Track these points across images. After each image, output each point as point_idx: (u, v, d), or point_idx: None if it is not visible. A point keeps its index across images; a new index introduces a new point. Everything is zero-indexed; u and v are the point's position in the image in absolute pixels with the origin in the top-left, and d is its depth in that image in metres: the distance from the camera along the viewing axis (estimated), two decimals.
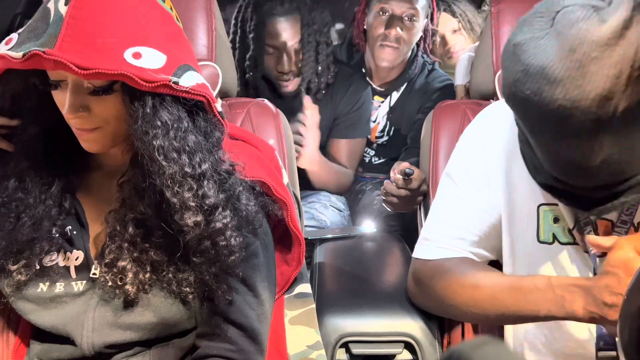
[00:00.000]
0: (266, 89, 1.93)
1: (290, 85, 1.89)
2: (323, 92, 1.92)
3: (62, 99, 0.83)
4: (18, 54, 0.77)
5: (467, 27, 2.17)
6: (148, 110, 0.80)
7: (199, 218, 0.83)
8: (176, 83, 0.79)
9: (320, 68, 1.89)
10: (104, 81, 0.81)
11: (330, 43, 1.93)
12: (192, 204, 0.82)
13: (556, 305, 0.91)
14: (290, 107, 1.93)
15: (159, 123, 0.80)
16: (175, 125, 0.81)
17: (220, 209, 0.85)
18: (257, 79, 1.91)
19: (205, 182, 0.84)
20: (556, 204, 1.02)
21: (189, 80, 0.81)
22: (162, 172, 0.81)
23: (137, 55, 0.78)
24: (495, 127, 1.09)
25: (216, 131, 0.87)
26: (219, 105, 0.86)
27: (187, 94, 0.81)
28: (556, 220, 1.02)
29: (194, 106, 0.84)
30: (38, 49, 0.76)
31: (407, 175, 1.50)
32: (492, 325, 1.15)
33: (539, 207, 1.04)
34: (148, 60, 0.78)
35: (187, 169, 0.82)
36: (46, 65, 0.78)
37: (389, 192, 1.59)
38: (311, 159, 1.82)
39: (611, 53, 0.74)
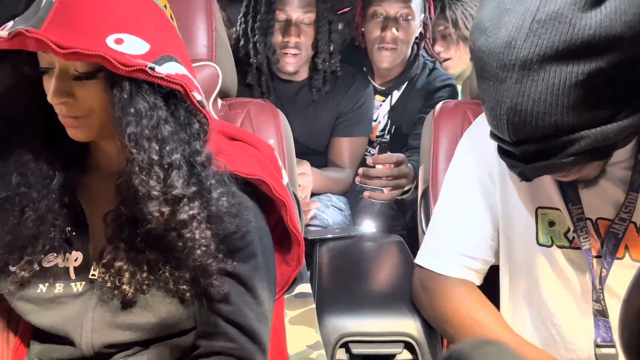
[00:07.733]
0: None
1: (293, 60, 1.84)
2: (328, 84, 1.91)
3: (50, 86, 0.84)
4: (4, 33, 0.79)
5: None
6: (125, 95, 0.80)
7: (164, 208, 0.83)
8: (152, 69, 0.79)
9: (332, 48, 1.87)
10: (87, 66, 0.81)
11: (338, 29, 1.90)
12: (157, 193, 0.82)
13: None
14: (292, 102, 1.93)
15: (132, 110, 0.80)
16: (149, 114, 0.81)
17: (186, 199, 0.84)
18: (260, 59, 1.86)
19: (174, 172, 0.82)
20: (554, 208, 1.02)
21: (167, 69, 0.80)
22: (131, 159, 0.81)
23: (119, 41, 0.78)
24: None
25: (196, 122, 0.86)
26: (203, 96, 0.85)
27: (163, 80, 0.80)
28: (552, 224, 1.03)
29: (175, 97, 0.83)
30: (22, 28, 0.77)
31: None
32: None
33: (537, 209, 1.04)
34: (129, 46, 0.78)
35: (155, 157, 0.81)
36: (29, 45, 0.78)
37: (366, 174, 1.63)
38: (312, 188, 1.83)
39: (520, 5, 0.81)
